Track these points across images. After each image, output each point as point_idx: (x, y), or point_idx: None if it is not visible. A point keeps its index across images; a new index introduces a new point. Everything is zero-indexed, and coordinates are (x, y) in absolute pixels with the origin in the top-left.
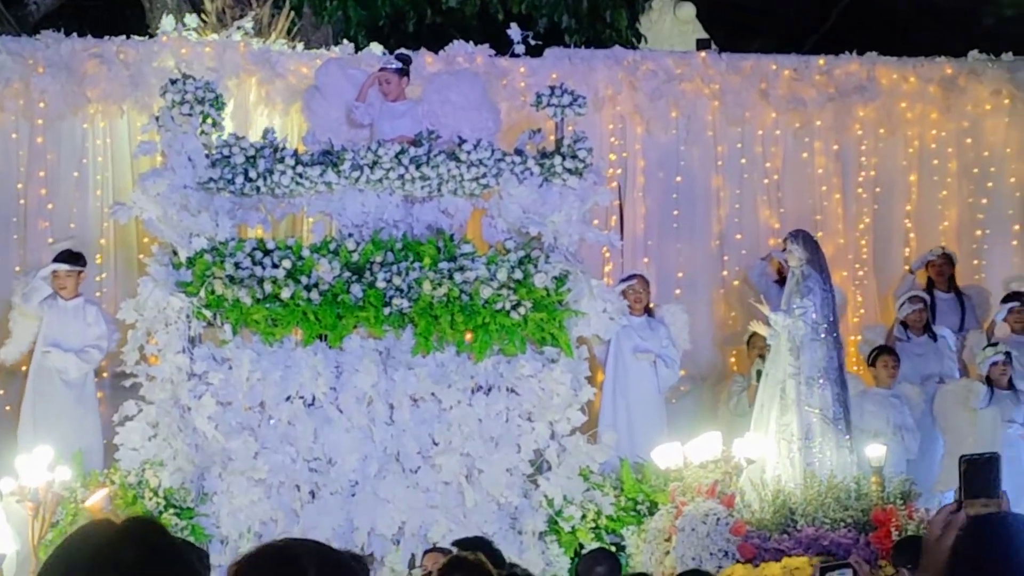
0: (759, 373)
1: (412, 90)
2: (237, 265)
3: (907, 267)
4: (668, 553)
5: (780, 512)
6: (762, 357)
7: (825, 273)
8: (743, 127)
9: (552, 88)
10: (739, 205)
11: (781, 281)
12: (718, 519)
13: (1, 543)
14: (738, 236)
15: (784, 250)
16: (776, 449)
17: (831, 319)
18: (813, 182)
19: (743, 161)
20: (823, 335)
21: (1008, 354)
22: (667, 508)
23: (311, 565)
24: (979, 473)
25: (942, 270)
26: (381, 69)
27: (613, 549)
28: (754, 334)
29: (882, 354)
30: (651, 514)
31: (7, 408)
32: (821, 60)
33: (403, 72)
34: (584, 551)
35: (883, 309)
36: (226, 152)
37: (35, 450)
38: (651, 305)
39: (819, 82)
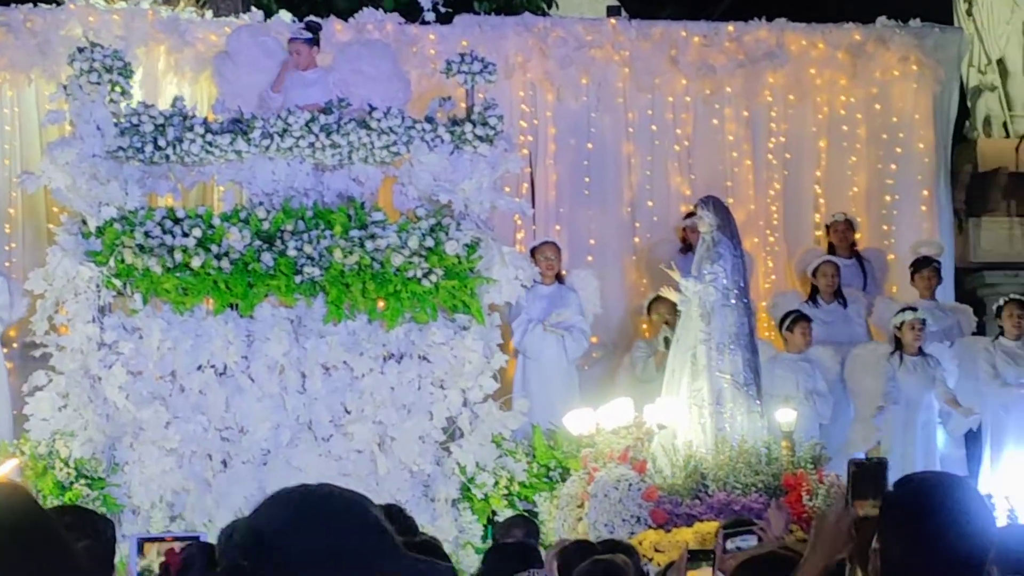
0: (667, 340)
1: (322, 58)
2: (147, 234)
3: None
4: (581, 519)
5: (692, 477)
6: (668, 324)
7: (736, 239)
8: (653, 94)
9: (462, 55)
10: (650, 172)
11: (686, 248)
12: (630, 485)
13: None
14: (649, 203)
15: (695, 216)
16: (687, 415)
17: (741, 285)
18: (724, 149)
19: (654, 128)
20: (734, 301)
21: (923, 320)
22: (579, 474)
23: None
24: (867, 476)
25: (844, 236)
26: (291, 39)
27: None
28: (654, 301)
29: (800, 320)
30: (563, 480)
31: None
32: (731, 27)
33: (313, 41)
34: (497, 518)
35: (792, 275)
36: (135, 121)
37: None
38: (562, 272)
39: (729, 49)
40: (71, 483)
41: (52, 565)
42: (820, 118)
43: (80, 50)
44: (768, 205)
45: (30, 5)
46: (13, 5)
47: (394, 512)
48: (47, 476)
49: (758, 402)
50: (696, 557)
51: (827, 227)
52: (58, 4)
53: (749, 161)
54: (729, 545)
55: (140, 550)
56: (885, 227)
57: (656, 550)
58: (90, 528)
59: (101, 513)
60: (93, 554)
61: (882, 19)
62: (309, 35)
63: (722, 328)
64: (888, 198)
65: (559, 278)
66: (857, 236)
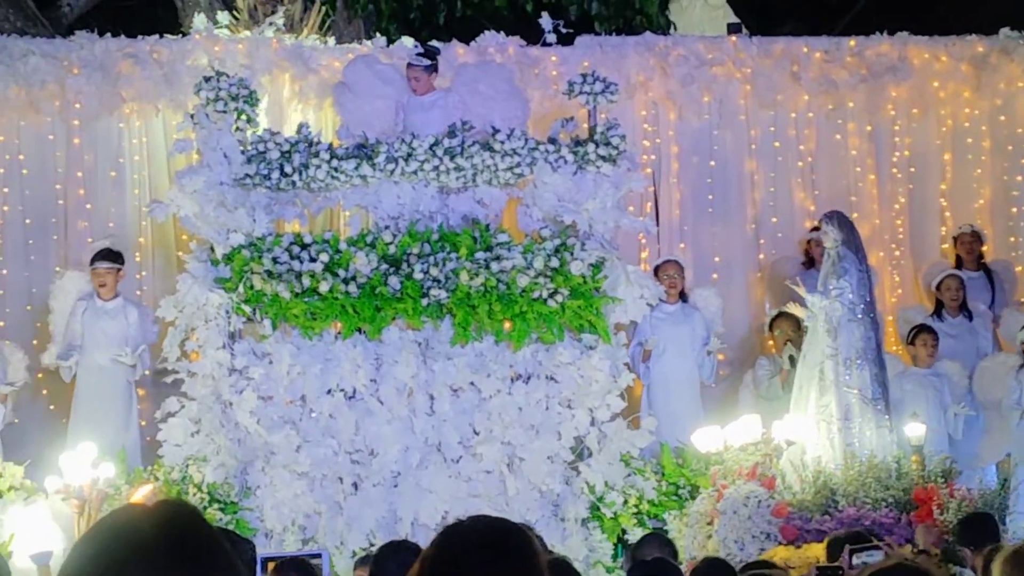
0: (791, 358)
1: (442, 80)
2: (275, 260)
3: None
4: (711, 537)
5: (821, 493)
6: (791, 341)
7: (861, 253)
8: (776, 110)
9: (584, 76)
10: (774, 188)
11: (808, 263)
12: (759, 501)
13: (47, 541)
14: (773, 219)
15: (819, 231)
16: (816, 430)
17: (868, 299)
18: (847, 163)
19: (776, 144)
20: (860, 315)
21: None
22: (708, 492)
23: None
24: None
25: (971, 248)
26: (409, 65)
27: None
28: (776, 317)
29: (921, 333)
30: (692, 498)
31: (51, 408)
32: (852, 41)
33: (431, 68)
34: (627, 536)
35: (919, 289)
36: (261, 148)
37: (78, 448)
38: (685, 291)
39: (851, 63)
40: (205, 508)
41: None
42: (944, 131)
43: (206, 79)
44: (893, 219)
45: (156, 36)
46: (140, 37)
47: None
48: None
49: (887, 416)
50: (824, 573)
51: (954, 239)
52: (184, 35)
53: (873, 175)
54: (856, 560)
55: (264, 569)
56: (1012, 239)
57: (787, 567)
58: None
59: (242, 536)
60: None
61: (1005, 30)
62: (427, 61)
63: (849, 343)
64: (1014, 209)
65: (683, 296)
66: (984, 248)
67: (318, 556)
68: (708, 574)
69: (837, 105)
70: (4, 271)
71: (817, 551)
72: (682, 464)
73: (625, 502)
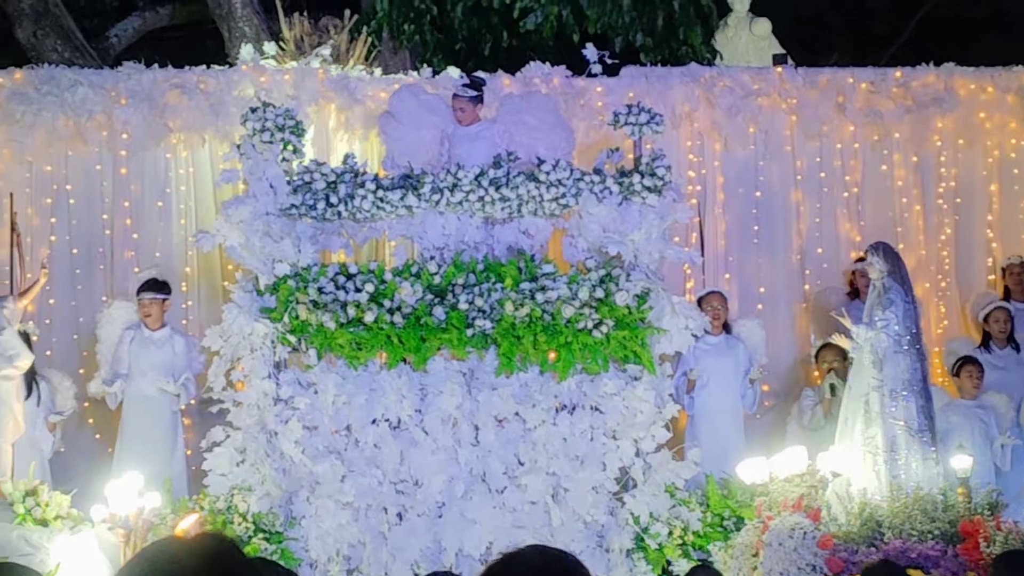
0: (832, 387)
1: (487, 110)
2: (320, 290)
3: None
4: (756, 568)
5: (867, 525)
6: (835, 371)
7: (907, 285)
8: (821, 141)
9: (629, 107)
10: (819, 219)
11: (853, 293)
12: (805, 533)
13: (93, 570)
14: (819, 250)
15: (865, 261)
16: (861, 462)
17: (914, 331)
18: (893, 194)
19: (822, 175)
20: (906, 347)
21: None
22: (754, 523)
23: None
24: None
25: (1020, 279)
26: (455, 96)
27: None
28: (822, 348)
29: (966, 364)
30: (737, 529)
31: (97, 437)
32: (898, 72)
33: (477, 99)
34: (672, 567)
35: (966, 320)
36: (307, 178)
37: (124, 477)
38: (728, 322)
39: (896, 94)
40: (249, 537)
41: None
42: (990, 162)
43: (253, 110)
44: (939, 250)
45: (203, 67)
46: (187, 67)
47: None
48: (226, 531)
49: (933, 448)
50: None
51: (1002, 270)
52: (230, 65)
53: (919, 206)
54: None
55: None
56: None
57: None
58: None
59: (286, 568)
60: None
61: None
62: (473, 92)
63: (895, 375)
64: None
65: (726, 328)
66: None
67: None
68: None
69: (883, 136)
70: (51, 301)
71: None
72: (727, 495)
73: (670, 533)
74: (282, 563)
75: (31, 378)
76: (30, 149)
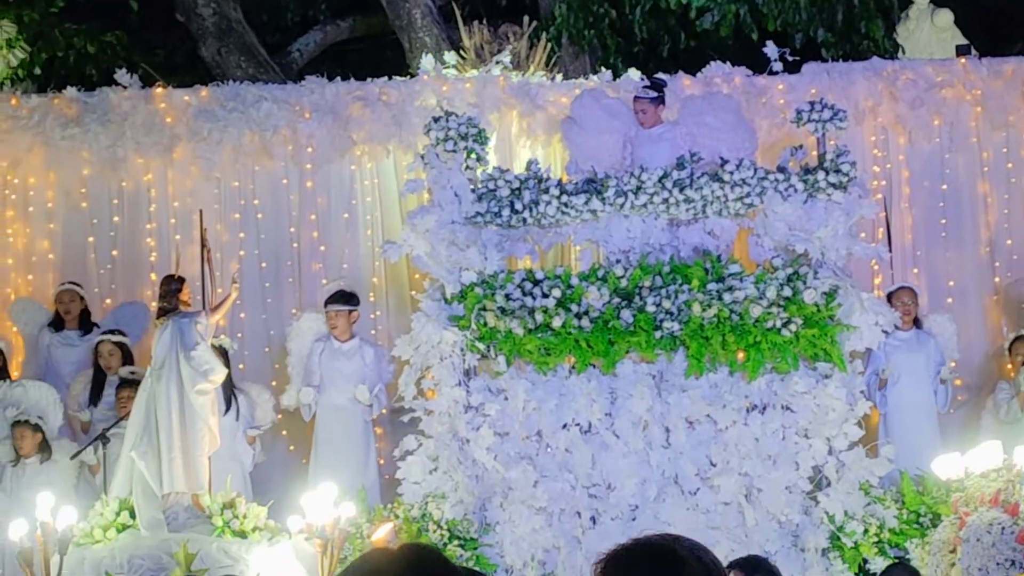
0: None
1: (669, 112)
2: (508, 297)
3: None
4: (954, 565)
5: None
6: None
7: None
8: (1007, 131)
9: (812, 103)
10: (1007, 210)
11: None
12: (1003, 528)
13: None
14: (1008, 241)
15: None
16: None
17: None
18: None
19: (1009, 166)
20: None
21: None
22: (950, 519)
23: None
24: None
25: None
26: (636, 98)
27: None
28: (1015, 341)
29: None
30: (934, 526)
31: (291, 448)
32: None
33: (658, 100)
34: (868, 566)
35: None
36: (491, 186)
37: (319, 487)
38: (919, 317)
39: None
40: (444, 544)
41: None
42: None
43: (435, 119)
44: None
45: (385, 78)
46: (369, 79)
47: (759, 563)
48: (422, 538)
49: None
50: None
51: None
52: (412, 76)
53: None
54: None
55: None
56: None
57: None
58: None
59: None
60: None
61: None
62: (654, 93)
63: None
64: None
65: (916, 323)
66: None
67: None
68: None
69: None
70: (242, 315)
71: None
72: (922, 492)
73: (866, 531)
74: (478, 569)
75: (229, 392)
76: (217, 166)
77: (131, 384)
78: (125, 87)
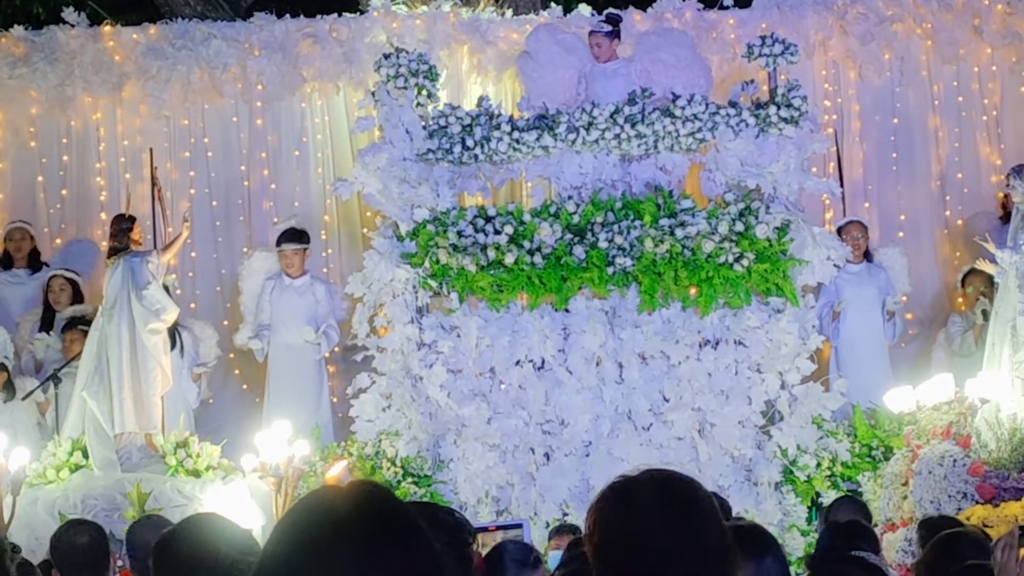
0: (984, 312)
1: (623, 49)
2: (460, 234)
3: None
4: (906, 497)
5: (1018, 451)
6: (984, 295)
7: None
8: (958, 65)
9: (763, 38)
10: (958, 144)
11: (1006, 217)
12: (955, 461)
13: (246, 519)
14: (959, 175)
15: (1007, 185)
16: (1011, 387)
17: None
18: None
19: (960, 99)
20: None
21: None
22: (902, 452)
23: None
24: None
25: None
26: (591, 32)
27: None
28: (968, 273)
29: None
30: (886, 459)
31: (244, 387)
32: None
33: (613, 34)
34: (821, 499)
35: None
36: (442, 122)
37: (273, 426)
38: (869, 250)
39: None
40: (399, 482)
41: (421, 563)
42: None
43: (386, 56)
44: None
45: (335, 15)
46: (319, 16)
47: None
48: (375, 476)
49: None
50: None
51: None
52: (362, 12)
53: None
54: None
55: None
56: None
57: (985, 526)
58: (444, 527)
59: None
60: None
61: None
62: (609, 28)
63: None
64: None
65: (867, 256)
66: None
67: (519, 527)
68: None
69: (1021, 57)
70: (193, 254)
71: (1015, 509)
72: (874, 425)
73: (818, 465)
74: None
75: (173, 330)
76: (167, 104)
77: (77, 324)
78: (73, 25)
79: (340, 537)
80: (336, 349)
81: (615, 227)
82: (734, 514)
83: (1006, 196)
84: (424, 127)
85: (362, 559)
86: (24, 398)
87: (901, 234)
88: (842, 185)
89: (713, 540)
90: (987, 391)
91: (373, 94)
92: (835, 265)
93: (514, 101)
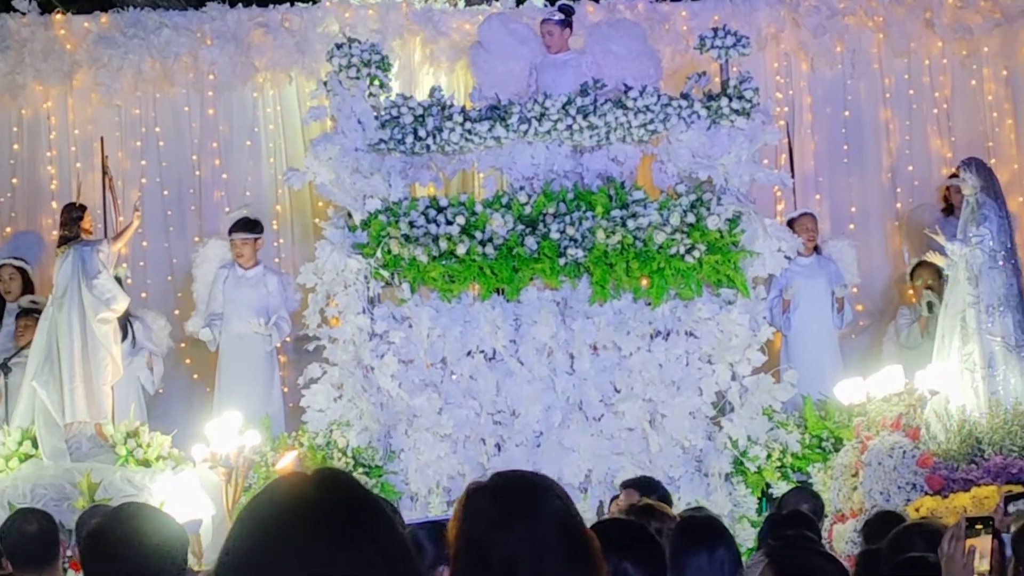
0: (929, 304)
1: (575, 40)
2: (412, 224)
3: None
4: (855, 489)
5: (967, 442)
6: (930, 288)
7: (1000, 200)
8: (909, 58)
9: (715, 30)
10: (909, 136)
11: (947, 210)
12: (904, 452)
13: (197, 509)
14: (910, 168)
15: (958, 178)
16: (959, 379)
17: (1009, 246)
18: (983, 109)
19: (911, 92)
20: (1001, 262)
21: None
22: (852, 444)
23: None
24: None
25: None
26: (543, 21)
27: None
28: (917, 266)
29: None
30: (836, 450)
31: (195, 377)
32: None
33: (565, 24)
34: (771, 490)
35: None
36: (395, 113)
37: (223, 416)
38: (818, 243)
39: (984, 8)
40: (350, 472)
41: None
42: None
43: (338, 46)
44: None
45: (287, 5)
46: (271, 6)
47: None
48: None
49: None
50: (973, 524)
51: None
52: (314, 2)
53: (1010, 120)
54: (1011, 508)
55: None
56: None
57: (934, 516)
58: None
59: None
60: None
61: None
62: (561, 16)
63: (991, 290)
64: None
65: (817, 248)
66: None
67: None
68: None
69: (972, 51)
70: (144, 243)
71: (964, 500)
72: (825, 416)
73: (769, 456)
74: (383, 496)
75: (125, 320)
76: (118, 93)
77: (30, 313)
78: (23, 13)
79: (306, 524)
80: (288, 339)
81: (567, 218)
82: (685, 504)
83: (948, 189)
84: (376, 117)
85: (330, 545)
86: None
87: (852, 226)
88: (793, 177)
89: (556, 544)
90: (936, 383)
91: (325, 84)
92: (786, 257)
93: (466, 92)
